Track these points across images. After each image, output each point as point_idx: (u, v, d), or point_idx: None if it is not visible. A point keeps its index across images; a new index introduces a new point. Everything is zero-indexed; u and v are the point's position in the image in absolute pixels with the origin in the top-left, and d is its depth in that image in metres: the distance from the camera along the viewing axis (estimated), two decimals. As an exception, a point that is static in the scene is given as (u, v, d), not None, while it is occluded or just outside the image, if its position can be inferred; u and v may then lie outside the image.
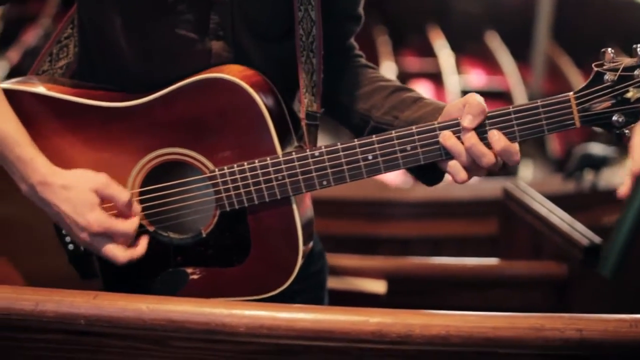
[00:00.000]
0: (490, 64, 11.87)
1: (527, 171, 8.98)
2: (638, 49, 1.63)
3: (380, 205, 3.87)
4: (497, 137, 1.67)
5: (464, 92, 10.62)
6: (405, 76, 11.28)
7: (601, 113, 1.65)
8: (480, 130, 1.69)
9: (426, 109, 1.81)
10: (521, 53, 11.78)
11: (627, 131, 1.66)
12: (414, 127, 1.71)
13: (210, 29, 1.81)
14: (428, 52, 11.93)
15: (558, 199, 3.48)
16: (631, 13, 12.77)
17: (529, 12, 11.88)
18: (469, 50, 12.63)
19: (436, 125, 1.70)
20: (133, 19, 1.80)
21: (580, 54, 12.15)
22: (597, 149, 3.87)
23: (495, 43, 12.25)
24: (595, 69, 1.64)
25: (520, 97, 10.22)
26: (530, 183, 5.34)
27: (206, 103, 1.76)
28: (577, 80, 9.60)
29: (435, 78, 11.19)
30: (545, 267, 2.92)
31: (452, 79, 10.89)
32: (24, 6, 10.00)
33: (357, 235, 3.83)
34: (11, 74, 8.71)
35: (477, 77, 11.79)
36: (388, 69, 11.05)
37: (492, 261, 3.21)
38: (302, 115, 1.82)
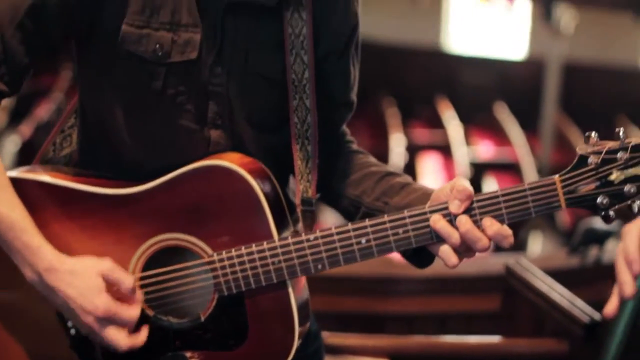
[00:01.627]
0: (499, 135, 11.94)
1: (536, 243, 8.98)
2: (620, 133, 1.67)
3: (384, 281, 3.89)
4: (489, 223, 1.71)
5: (473, 164, 10.70)
6: (414, 148, 11.35)
7: (586, 195, 1.69)
8: (471, 214, 1.73)
9: (415, 194, 1.86)
10: (530, 124, 11.86)
11: (612, 212, 1.70)
12: (405, 212, 1.75)
13: (208, 118, 1.87)
14: (437, 123, 12.02)
15: (562, 274, 3.51)
16: (639, 82, 12.86)
17: (537, 83, 11.98)
18: (478, 121, 12.72)
19: (427, 209, 1.74)
20: (134, 110, 1.87)
21: (589, 125, 12.20)
22: (601, 223, 3.89)
23: (504, 114, 12.33)
24: (579, 152, 1.69)
25: (529, 168, 10.26)
26: (535, 258, 5.36)
27: (205, 189, 1.81)
28: (586, 150, 9.63)
29: (445, 150, 11.25)
30: (547, 344, 2.93)
31: (461, 151, 10.95)
32: (36, 80, 10.12)
33: (361, 313, 3.84)
34: (23, 149, 8.80)
35: (486, 149, 11.86)
36: (397, 141, 11.12)
37: (494, 339, 3.22)
38: (297, 201, 1.87)
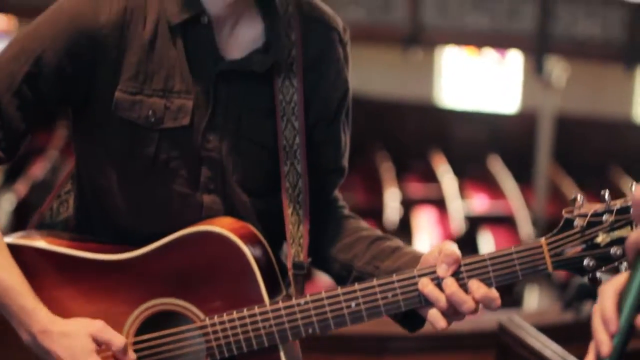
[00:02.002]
0: (493, 188, 12.00)
1: (533, 297, 8.98)
2: (606, 195, 1.70)
3: (378, 340, 3.90)
4: (476, 286, 1.73)
5: (468, 218, 10.73)
6: (409, 202, 11.39)
7: (573, 258, 1.71)
8: (459, 277, 1.75)
9: (405, 258, 1.88)
10: (524, 176, 11.92)
11: (599, 274, 1.72)
12: (394, 276, 1.77)
13: (201, 183, 1.90)
14: (431, 177, 12.09)
15: (556, 330, 3.51)
16: (632, 134, 12.95)
17: (530, 135, 12.06)
18: (472, 174, 12.79)
19: (415, 274, 1.77)
20: (127, 175, 1.90)
21: (583, 176, 12.28)
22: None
23: (498, 167, 12.41)
24: (565, 215, 1.72)
25: (523, 221, 10.30)
26: (529, 313, 5.37)
27: (197, 255, 1.84)
28: (580, 202, 9.67)
29: (439, 204, 11.30)
30: (541, 401, 2.94)
31: (456, 204, 11.00)
32: (31, 139, 10.14)
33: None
34: (19, 207, 8.83)
35: (480, 202, 11.91)
36: (392, 196, 11.16)
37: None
38: (289, 265, 1.90)
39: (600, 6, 10.65)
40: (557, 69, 11.00)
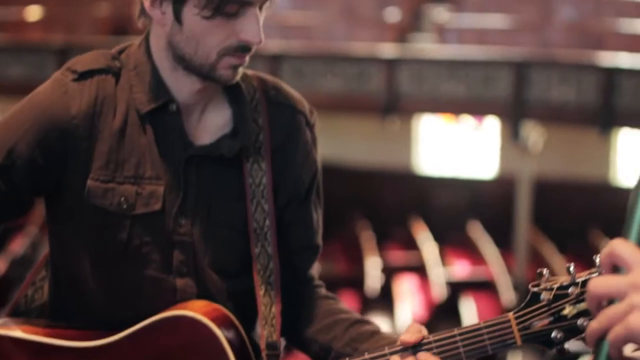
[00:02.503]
0: (473, 254, 12.02)
1: (516, 361, 8.98)
2: (571, 268, 1.73)
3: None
4: None
5: (449, 284, 10.74)
6: (390, 270, 11.39)
7: (541, 330, 1.74)
8: (432, 352, 1.77)
9: (383, 342, 1.91)
10: (504, 241, 11.95)
11: (567, 346, 1.75)
12: (366, 354, 1.80)
13: (174, 267, 1.93)
14: (412, 245, 12.10)
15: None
16: (609, 196, 13.03)
17: (508, 200, 12.13)
18: (452, 241, 12.82)
19: (387, 351, 1.79)
20: (100, 260, 1.92)
21: (563, 239, 12.33)
22: (572, 343, 3.92)
23: (478, 233, 12.44)
24: (531, 289, 1.75)
25: (504, 286, 10.31)
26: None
27: (171, 340, 1.86)
28: (561, 266, 9.71)
29: (420, 271, 11.30)
30: None
31: (437, 271, 11.01)
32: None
33: None
34: (-1, 285, 8.79)
35: (461, 268, 11.92)
36: (373, 264, 11.17)
37: None
38: (262, 346, 1.92)
39: (574, 71, 10.80)
40: (533, 134, 11.12)
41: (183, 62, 1.87)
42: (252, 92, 2.00)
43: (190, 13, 1.81)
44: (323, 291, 2.10)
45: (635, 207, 1.24)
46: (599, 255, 1.71)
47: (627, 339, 1.12)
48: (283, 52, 11.47)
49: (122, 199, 1.89)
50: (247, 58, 1.87)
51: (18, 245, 10.30)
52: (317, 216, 2.08)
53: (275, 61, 11.27)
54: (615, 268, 1.17)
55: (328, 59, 11.48)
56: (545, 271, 1.77)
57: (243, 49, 1.84)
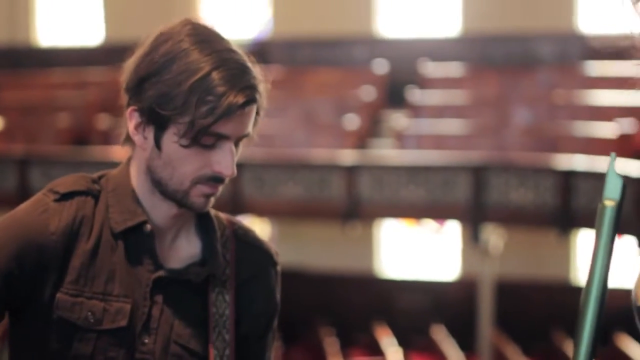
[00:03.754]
0: (438, 358, 11.96)
1: None
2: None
3: None
4: None
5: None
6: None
7: None
8: None
9: None
10: (468, 344, 11.93)
11: None
12: None
13: None
14: (376, 350, 12.01)
15: None
16: (570, 297, 13.09)
17: (471, 303, 12.15)
18: (416, 345, 12.76)
19: None
20: None
21: (527, 340, 12.34)
22: None
23: (441, 336, 12.41)
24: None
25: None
26: None
27: None
28: (525, 368, 9.70)
29: (385, 379, 11.21)
30: None
31: (401, 377, 10.94)
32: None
33: None
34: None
35: (425, 374, 11.85)
36: (337, 371, 11.08)
37: None
38: None
39: (532, 174, 10.95)
40: (493, 236, 11.23)
41: (159, 186, 1.96)
42: (222, 229, 2.09)
43: (169, 140, 1.90)
44: None
45: (586, 307, 1.27)
46: None
47: None
48: (244, 160, 11.57)
49: (90, 313, 1.94)
50: (220, 188, 1.96)
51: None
52: (269, 354, 2.16)
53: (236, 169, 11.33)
54: None
55: (289, 167, 11.59)
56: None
57: (216, 179, 1.93)
